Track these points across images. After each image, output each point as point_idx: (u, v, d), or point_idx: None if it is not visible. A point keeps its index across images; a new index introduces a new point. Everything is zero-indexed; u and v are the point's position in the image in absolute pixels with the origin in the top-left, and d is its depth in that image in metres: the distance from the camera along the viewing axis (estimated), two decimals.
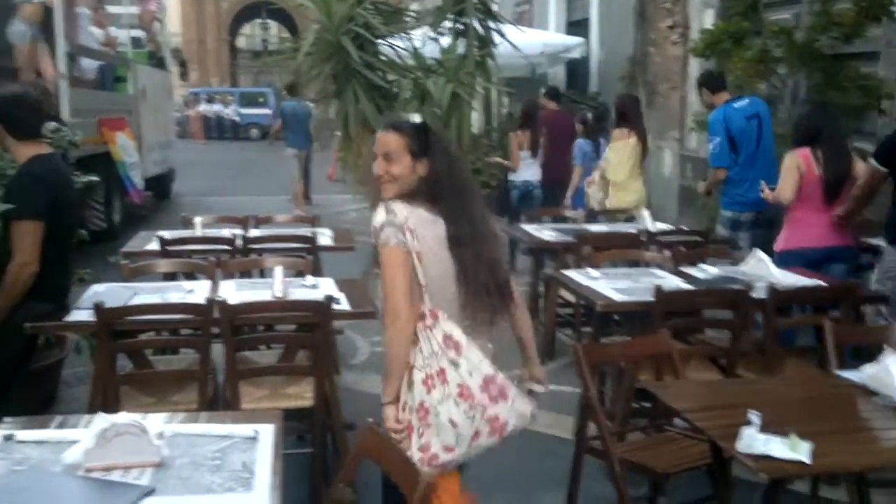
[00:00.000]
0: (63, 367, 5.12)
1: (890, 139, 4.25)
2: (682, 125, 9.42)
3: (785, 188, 4.65)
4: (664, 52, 9.96)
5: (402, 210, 2.46)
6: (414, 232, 2.44)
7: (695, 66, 8.84)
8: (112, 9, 11.12)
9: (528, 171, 8.04)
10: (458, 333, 2.47)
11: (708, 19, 8.33)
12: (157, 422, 2.23)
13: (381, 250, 2.46)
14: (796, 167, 4.60)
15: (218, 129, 31.94)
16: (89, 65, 9.80)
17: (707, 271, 4.48)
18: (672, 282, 4.24)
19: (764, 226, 5.59)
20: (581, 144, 7.73)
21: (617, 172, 6.87)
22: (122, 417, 2.14)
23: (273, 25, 40.31)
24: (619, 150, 6.90)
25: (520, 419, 2.52)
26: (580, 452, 3.41)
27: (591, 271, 4.54)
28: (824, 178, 4.55)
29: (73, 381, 5.25)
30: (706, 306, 4.29)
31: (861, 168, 4.50)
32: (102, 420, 2.14)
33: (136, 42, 12.32)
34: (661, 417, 3.47)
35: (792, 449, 2.21)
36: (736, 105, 5.76)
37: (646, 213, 5.87)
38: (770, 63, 6.08)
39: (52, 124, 4.75)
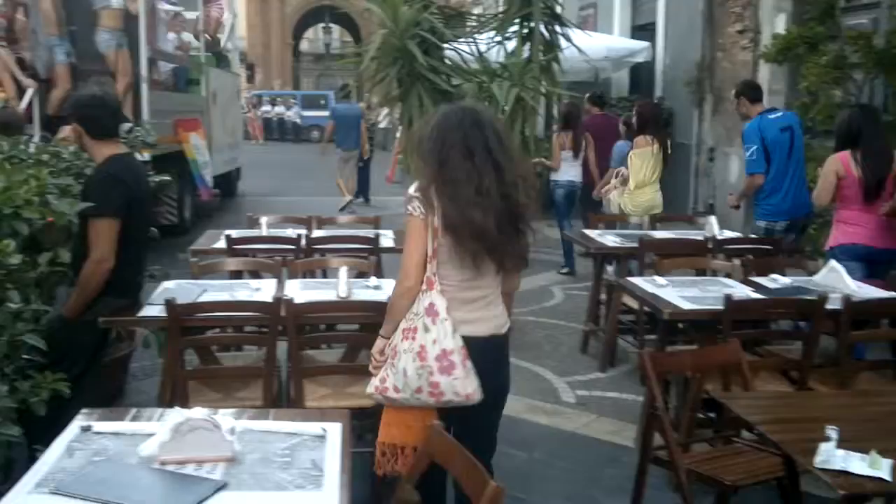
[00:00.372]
0: (131, 360, 5.25)
1: None
2: None
3: (821, 192, 4.77)
4: (733, 57, 9.78)
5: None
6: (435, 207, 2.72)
7: (765, 72, 8.66)
8: (185, 14, 11.53)
9: (570, 170, 8.50)
10: (441, 306, 2.76)
11: (780, 24, 8.15)
12: (228, 418, 2.26)
13: (405, 218, 2.82)
14: (834, 171, 4.68)
15: (280, 131, 32.44)
16: (166, 68, 10.25)
17: (778, 281, 4.37)
18: (742, 291, 4.15)
19: (797, 232, 5.83)
20: (620, 146, 7.79)
21: (636, 178, 7.01)
22: (197, 412, 2.17)
23: (336, 29, 40.80)
24: (642, 157, 6.98)
25: (456, 396, 2.78)
26: (645, 462, 3.36)
27: (658, 279, 4.47)
28: (863, 179, 4.63)
29: (140, 374, 5.37)
30: (778, 317, 4.20)
31: None
32: (177, 414, 2.18)
33: (206, 46, 12.78)
34: (728, 429, 3.40)
35: (871, 466, 2.15)
36: (770, 116, 5.83)
37: (712, 220, 5.77)
38: (846, 69, 5.92)
39: (128, 125, 4.86)
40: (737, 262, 4.89)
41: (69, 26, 8.70)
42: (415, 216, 2.76)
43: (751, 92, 6.03)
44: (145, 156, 7.95)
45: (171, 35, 10.57)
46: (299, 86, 39.60)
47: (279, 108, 32.80)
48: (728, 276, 4.66)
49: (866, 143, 4.61)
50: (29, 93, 8.32)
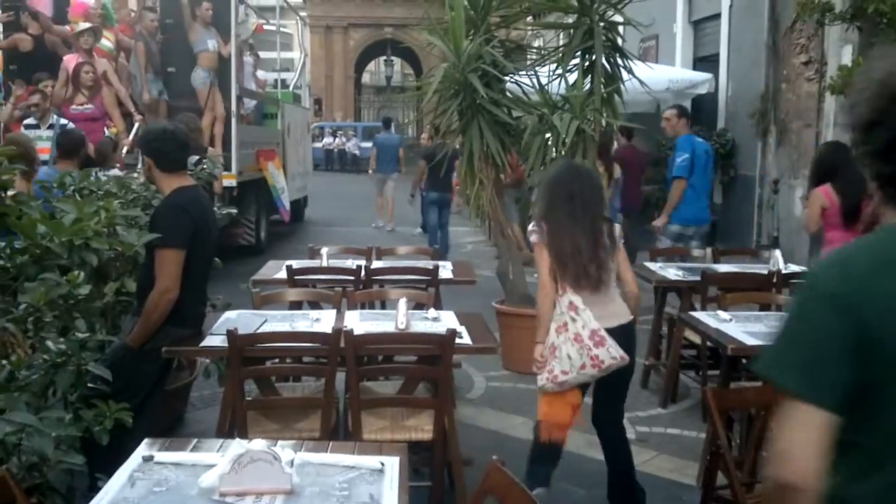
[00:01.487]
0: (191, 389, 5.32)
1: None
2: None
3: (809, 221, 5.27)
4: (797, 88, 9.61)
5: None
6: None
7: (830, 104, 8.48)
8: (263, 54, 12.80)
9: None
10: (578, 301, 3.69)
11: (846, 55, 7.98)
12: (288, 450, 2.26)
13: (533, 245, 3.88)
14: (819, 205, 5.13)
15: (340, 162, 32.88)
16: (249, 104, 11.29)
17: None
18: None
19: (700, 238, 7.41)
20: None
21: None
22: (257, 444, 2.18)
23: (397, 62, 41.35)
24: None
25: (613, 360, 3.64)
26: (707, 501, 3.27)
27: (722, 313, 4.38)
28: (842, 206, 5.06)
29: (200, 404, 5.44)
30: None
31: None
32: (237, 446, 2.19)
33: (280, 83, 14.25)
34: None
35: None
36: (698, 139, 7.53)
37: (777, 254, 5.63)
38: None
39: (194, 157, 4.98)
40: None
41: (167, 68, 9.90)
42: (537, 242, 3.81)
43: (685, 112, 7.58)
44: (232, 182, 9.47)
45: (256, 74, 11.74)
46: (360, 117, 40.17)
47: (339, 139, 33.29)
48: None
49: (841, 175, 5.05)
50: (136, 126, 9.12)
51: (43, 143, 7.04)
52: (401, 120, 36.33)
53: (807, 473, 1.41)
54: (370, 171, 15.62)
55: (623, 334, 3.70)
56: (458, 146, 6.79)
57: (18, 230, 2.88)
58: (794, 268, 5.78)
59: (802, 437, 1.42)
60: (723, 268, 5.91)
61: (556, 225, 3.75)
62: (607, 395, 3.83)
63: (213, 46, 9.82)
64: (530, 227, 3.86)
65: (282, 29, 14.96)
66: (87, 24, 9.09)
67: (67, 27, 9.48)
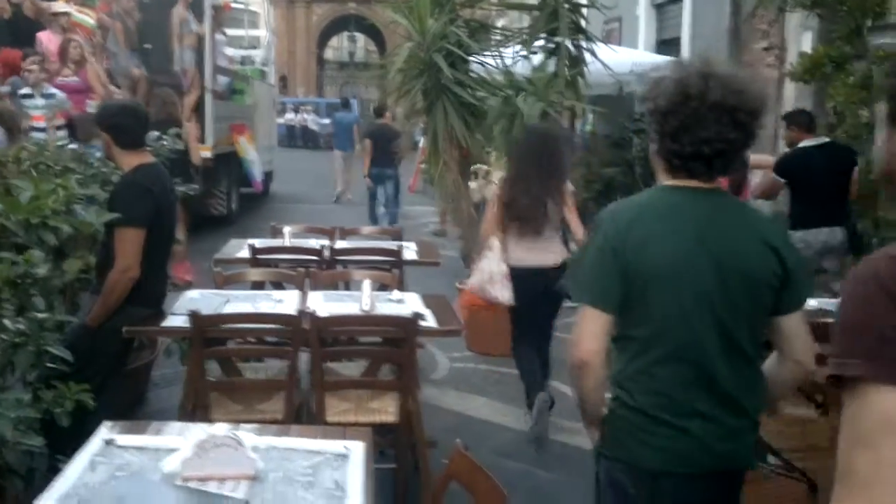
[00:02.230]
0: (153, 368, 5.27)
1: (788, 156, 6.00)
2: (775, 151, 9.16)
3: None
4: (758, 74, 9.71)
5: None
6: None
7: (790, 90, 8.60)
8: (230, 32, 13.05)
9: None
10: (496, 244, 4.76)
11: (806, 42, 8.09)
12: (251, 434, 2.25)
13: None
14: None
15: (302, 138, 32.57)
16: (222, 80, 11.55)
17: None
18: None
19: None
20: None
21: None
22: (220, 429, 2.17)
23: (360, 38, 40.97)
24: None
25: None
26: None
27: None
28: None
29: (162, 382, 5.38)
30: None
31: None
32: (200, 431, 2.17)
33: (245, 60, 14.71)
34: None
35: None
36: None
37: None
38: (874, 90, 5.86)
39: (155, 133, 4.90)
40: None
41: (143, 45, 10.24)
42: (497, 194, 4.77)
43: None
44: (207, 154, 9.76)
45: (226, 51, 12.12)
46: (323, 93, 39.78)
47: (301, 116, 32.95)
48: None
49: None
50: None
51: (38, 111, 7.31)
52: (362, 96, 36.11)
53: (591, 353, 2.08)
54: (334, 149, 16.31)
55: (553, 272, 4.60)
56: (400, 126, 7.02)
57: None
58: None
59: (590, 330, 2.09)
60: None
61: (519, 179, 4.62)
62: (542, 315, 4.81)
63: (196, 27, 10.25)
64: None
65: (248, 7, 15.46)
66: (65, 8, 9.31)
67: (46, 2, 9.50)
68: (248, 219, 12.24)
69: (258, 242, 5.41)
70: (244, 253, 5.29)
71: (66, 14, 9.20)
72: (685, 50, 11.65)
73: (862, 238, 5.89)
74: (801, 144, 5.96)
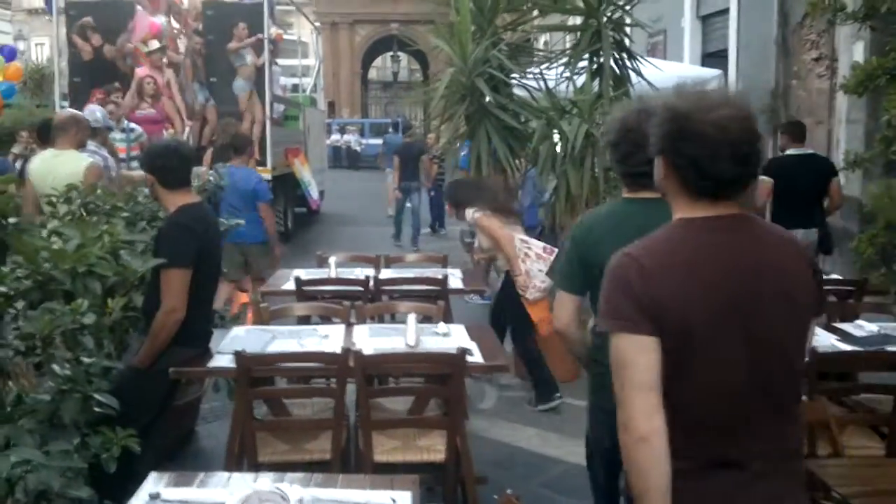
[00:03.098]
0: (201, 402, 5.28)
1: (776, 160, 6.85)
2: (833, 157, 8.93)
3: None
4: (808, 85, 9.51)
5: None
6: None
7: (842, 101, 8.38)
8: (282, 62, 14.13)
9: None
10: (522, 235, 5.37)
11: (858, 52, 7.88)
12: (297, 487, 2.21)
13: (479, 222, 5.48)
14: None
15: (348, 159, 32.80)
16: (278, 108, 12.56)
17: (864, 328, 4.14)
18: (825, 340, 3.94)
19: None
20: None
21: None
22: (264, 484, 2.13)
23: (403, 57, 41.24)
24: None
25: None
26: None
27: None
28: None
29: (210, 416, 5.39)
30: (870, 369, 3.96)
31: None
32: (245, 486, 2.14)
33: (296, 88, 15.96)
34: (817, 491, 3.22)
35: None
36: None
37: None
38: None
39: (201, 168, 4.94)
40: None
41: (210, 78, 11.47)
42: (481, 216, 5.41)
43: None
44: (266, 176, 10.13)
45: (282, 81, 13.52)
46: (367, 113, 40.08)
47: (346, 136, 33.20)
48: None
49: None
50: (187, 129, 10.95)
51: (118, 143, 8.08)
52: (408, 116, 36.23)
53: (568, 323, 2.79)
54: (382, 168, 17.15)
55: None
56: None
57: (22, 256, 2.83)
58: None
59: (565, 307, 2.79)
60: None
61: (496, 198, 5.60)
62: None
63: (251, 60, 11.34)
64: (473, 213, 5.35)
65: (299, 38, 17.38)
66: (157, 44, 10.64)
67: (128, 43, 10.82)
68: (302, 235, 13.51)
69: (304, 274, 5.41)
70: (290, 285, 5.30)
71: (160, 49, 10.64)
72: (732, 62, 11.46)
73: (831, 239, 6.84)
74: (788, 152, 6.85)
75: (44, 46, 40.97)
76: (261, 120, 11.37)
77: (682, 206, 1.88)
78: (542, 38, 15.64)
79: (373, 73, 44.64)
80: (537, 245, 5.22)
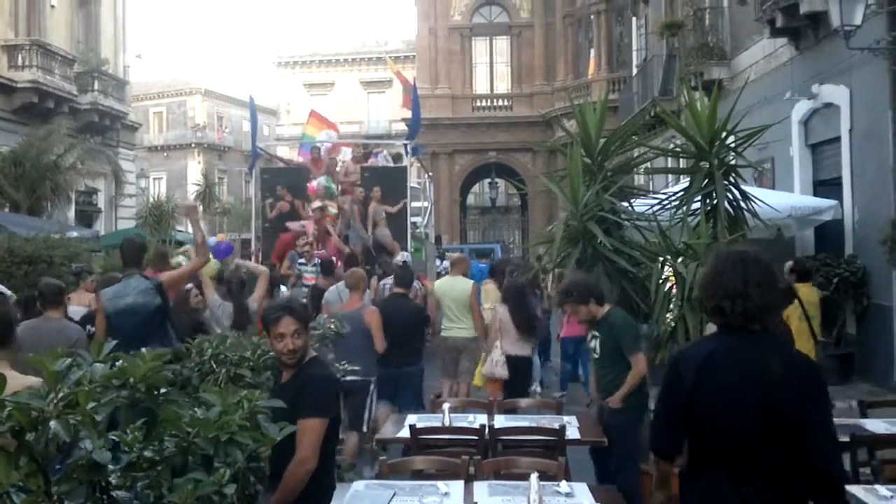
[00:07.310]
0: None
1: None
2: None
3: None
4: None
5: None
6: None
7: None
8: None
9: None
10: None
11: None
12: None
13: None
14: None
15: None
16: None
17: None
18: None
19: None
20: None
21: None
22: None
23: (500, 183, 42.04)
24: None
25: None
26: None
27: (881, 489, 4.03)
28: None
29: None
30: None
31: None
32: None
33: (414, 225, 18.06)
34: None
35: None
36: None
37: None
38: None
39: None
40: None
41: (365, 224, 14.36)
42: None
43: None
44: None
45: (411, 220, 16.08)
46: (466, 239, 40.69)
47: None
48: None
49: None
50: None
51: (309, 273, 12.31)
52: (506, 240, 36.48)
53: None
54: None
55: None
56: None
57: (168, 426, 2.93)
58: None
59: None
60: (873, 424, 5.29)
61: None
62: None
63: (383, 213, 14.23)
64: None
65: (415, 184, 19.62)
66: (320, 203, 13.79)
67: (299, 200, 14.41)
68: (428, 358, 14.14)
69: (417, 419, 5.41)
70: (405, 432, 5.30)
71: (321, 207, 13.84)
72: (847, 190, 11.18)
73: None
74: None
75: (161, 181, 43.75)
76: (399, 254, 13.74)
77: None
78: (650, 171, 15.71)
79: (471, 199, 45.52)
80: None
